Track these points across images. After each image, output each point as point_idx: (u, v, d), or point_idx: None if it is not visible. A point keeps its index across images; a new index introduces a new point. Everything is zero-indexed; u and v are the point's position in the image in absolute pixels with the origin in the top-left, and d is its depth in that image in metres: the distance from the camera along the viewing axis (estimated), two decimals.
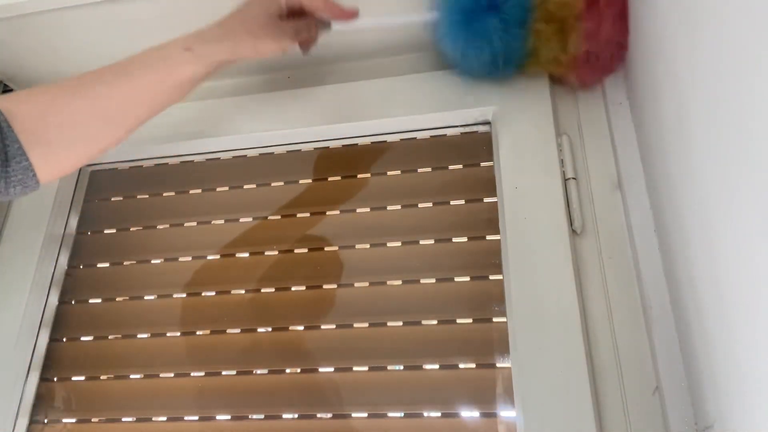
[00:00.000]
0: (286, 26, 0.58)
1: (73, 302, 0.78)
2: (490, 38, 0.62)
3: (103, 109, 0.54)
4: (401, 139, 0.76)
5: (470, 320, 0.65)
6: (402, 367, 0.65)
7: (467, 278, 0.67)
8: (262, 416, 0.67)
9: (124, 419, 0.69)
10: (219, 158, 0.81)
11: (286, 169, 0.78)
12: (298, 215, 0.75)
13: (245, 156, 0.80)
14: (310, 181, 0.77)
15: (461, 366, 0.64)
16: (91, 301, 0.77)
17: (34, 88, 0.53)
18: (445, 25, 0.64)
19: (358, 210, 0.73)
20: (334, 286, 0.70)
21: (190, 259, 0.76)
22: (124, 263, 0.78)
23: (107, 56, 0.77)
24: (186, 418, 0.68)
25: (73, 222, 0.81)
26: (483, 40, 0.62)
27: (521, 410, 0.57)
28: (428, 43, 0.75)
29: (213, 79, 0.82)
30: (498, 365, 0.63)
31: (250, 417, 0.67)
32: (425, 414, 0.63)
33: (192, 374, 0.70)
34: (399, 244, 0.70)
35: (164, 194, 0.81)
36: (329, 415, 0.65)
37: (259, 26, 0.57)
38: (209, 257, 0.75)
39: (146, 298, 0.75)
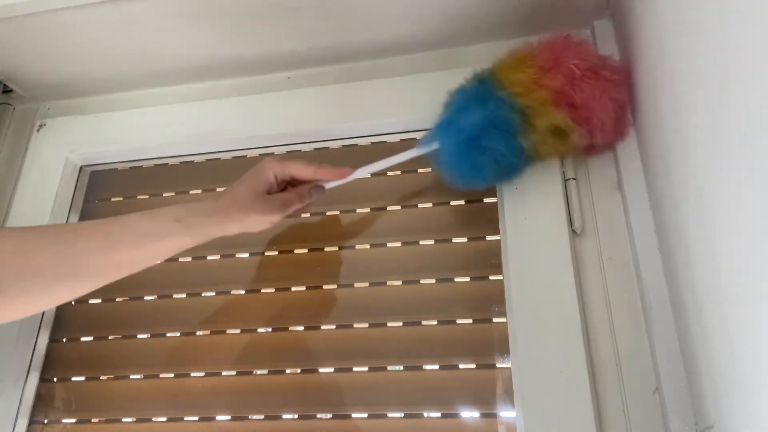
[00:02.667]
0: (276, 200, 0.59)
1: (72, 302, 0.77)
2: (491, 165, 0.60)
3: (73, 265, 0.50)
4: (401, 140, 0.76)
5: (470, 321, 0.65)
6: (402, 368, 0.65)
7: (467, 278, 0.67)
8: (262, 416, 0.67)
9: (124, 419, 0.69)
10: (219, 158, 0.81)
11: None
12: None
13: (245, 156, 0.80)
14: None
15: (461, 366, 0.64)
16: (90, 301, 0.77)
17: (5, 228, 0.51)
18: (445, 160, 0.62)
19: (358, 210, 0.73)
20: (334, 286, 0.70)
21: (189, 259, 0.76)
22: None
23: (107, 56, 0.78)
24: (186, 418, 0.68)
25: (74, 222, 0.81)
26: (484, 168, 0.61)
27: (521, 410, 0.57)
28: (428, 43, 0.75)
29: (213, 79, 0.82)
30: (498, 365, 0.63)
31: (250, 417, 0.67)
32: (425, 414, 0.63)
33: (192, 374, 0.70)
34: (399, 244, 0.70)
35: (164, 194, 0.81)
36: (329, 416, 0.65)
37: (248, 203, 0.57)
38: (209, 257, 0.75)
39: (146, 298, 0.75)
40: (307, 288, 0.71)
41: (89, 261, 0.51)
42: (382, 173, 0.74)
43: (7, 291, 0.46)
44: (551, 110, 0.58)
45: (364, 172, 0.63)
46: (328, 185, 0.63)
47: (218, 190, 0.79)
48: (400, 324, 0.67)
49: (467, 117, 0.60)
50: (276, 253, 0.74)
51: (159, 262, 0.57)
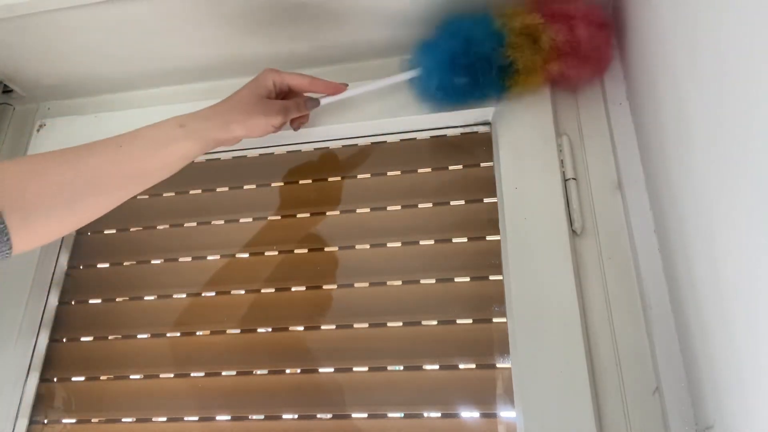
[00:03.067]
0: (276, 104, 0.62)
1: (73, 302, 0.78)
2: (476, 79, 0.64)
3: (89, 179, 0.51)
4: (401, 140, 0.76)
5: (470, 321, 0.65)
6: (402, 368, 0.65)
7: (467, 279, 0.67)
8: (262, 416, 0.67)
9: (124, 419, 0.69)
10: (219, 158, 0.81)
11: (286, 170, 0.78)
12: (298, 215, 0.75)
13: (245, 156, 0.80)
14: (310, 181, 0.77)
15: (461, 366, 0.64)
16: (91, 301, 0.77)
17: (18, 157, 0.52)
18: (429, 79, 0.66)
19: (358, 210, 0.74)
20: (334, 286, 0.70)
21: (190, 259, 0.76)
22: (124, 263, 0.78)
23: (107, 56, 0.78)
24: (186, 418, 0.68)
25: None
26: (468, 82, 0.64)
27: (521, 410, 0.57)
28: None
29: (213, 79, 0.82)
30: (498, 366, 0.63)
31: (250, 417, 0.67)
32: (425, 414, 0.63)
33: (192, 374, 0.70)
34: (399, 244, 0.70)
35: (164, 194, 0.81)
36: (329, 416, 0.65)
37: (250, 105, 0.60)
38: (209, 257, 0.75)
39: (146, 298, 0.75)
40: (307, 288, 0.71)
41: (104, 173, 0.52)
42: (382, 173, 0.74)
43: (33, 212, 0.48)
44: (524, 14, 0.63)
45: (356, 91, 0.67)
46: (324, 100, 0.67)
47: (218, 190, 0.79)
48: (400, 324, 0.67)
49: (447, 37, 0.64)
50: (276, 253, 0.74)
51: (174, 170, 0.58)
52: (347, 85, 0.67)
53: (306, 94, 0.67)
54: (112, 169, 0.53)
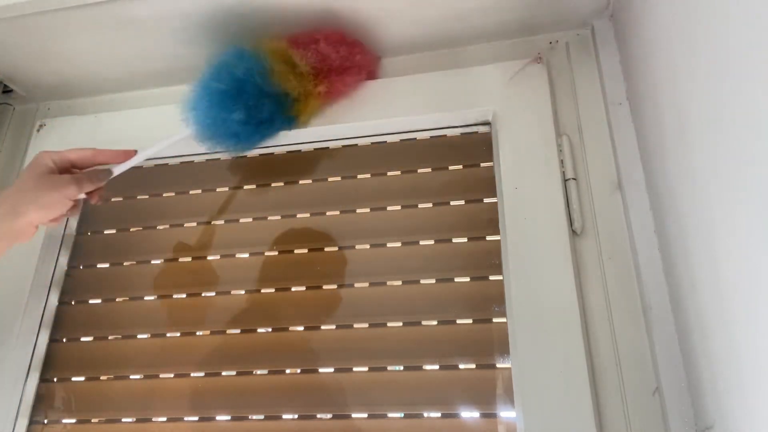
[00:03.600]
0: (64, 178, 0.58)
1: (73, 302, 0.78)
2: (254, 110, 0.66)
3: None
4: (401, 140, 0.76)
5: (470, 321, 0.65)
6: (402, 368, 0.65)
7: (467, 279, 0.67)
8: (262, 416, 0.67)
9: (124, 420, 0.69)
10: (219, 158, 0.81)
11: (286, 170, 0.78)
12: (298, 215, 0.75)
13: (245, 156, 0.80)
14: (310, 181, 0.77)
15: (461, 366, 0.64)
16: (91, 301, 0.77)
17: None
18: (205, 123, 0.66)
19: (358, 210, 0.74)
20: (334, 286, 0.70)
21: (189, 259, 0.76)
22: (124, 263, 0.78)
23: (107, 56, 0.78)
24: (186, 418, 0.68)
25: (73, 222, 0.81)
26: (248, 117, 0.66)
27: (521, 410, 0.57)
28: (428, 44, 0.75)
29: None
30: (498, 366, 0.63)
31: (250, 417, 0.67)
32: (425, 414, 0.63)
33: (192, 374, 0.70)
34: (399, 244, 0.70)
35: (164, 194, 0.81)
36: (329, 416, 0.65)
37: (36, 183, 0.56)
38: (209, 257, 0.75)
39: (146, 298, 0.75)
40: (307, 288, 0.71)
41: None
42: (382, 173, 0.74)
43: None
44: (274, 43, 0.68)
45: (145, 154, 0.64)
46: (117, 169, 0.63)
47: (218, 190, 0.79)
48: (400, 324, 0.67)
49: (214, 80, 0.66)
50: (276, 253, 0.74)
51: None
52: (136, 150, 0.64)
53: (95, 168, 0.63)
54: None
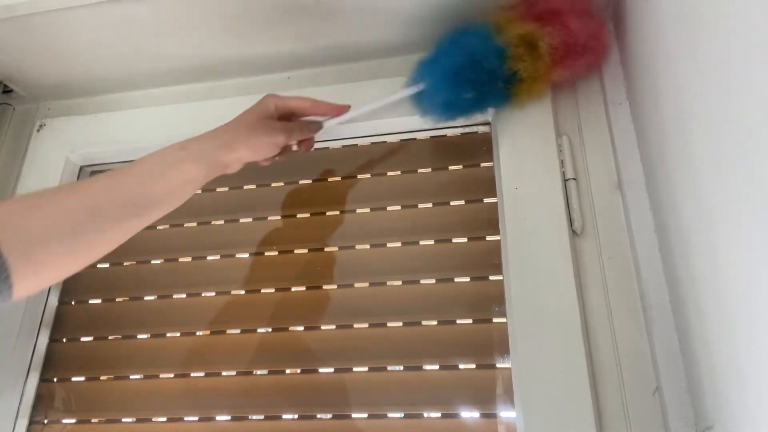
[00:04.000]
0: (278, 125, 0.61)
1: (73, 302, 0.78)
2: (482, 92, 0.63)
3: (92, 207, 0.48)
4: (401, 140, 0.76)
5: (470, 321, 0.65)
6: (402, 368, 0.65)
7: (467, 279, 0.67)
8: (262, 416, 0.67)
9: (124, 420, 0.69)
10: None
11: (286, 170, 0.78)
12: (298, 216, 0.75)
13: None
14: (310, 181, 0.77)
15: (461, 366, 0.64)
16: (91, 301, 0.77)
17: (19, 195, 0.50)
18: (435, 95, 0.65)
19: (358, 210, 0.74)
20: (334, 286, 0.70)
21: (189, 259, 0.76)
22: (124, 263, 0.78)
23: (107, 56, 0.78)
24: (186, 418, 0.68)
25: None
26: (474, 96, 0.64)
27: (521, 411, 0.57)
28: (427, 44, 0.75)
29: (213, 80, 0.82)
30: (498, 366, 0.63)
31: (250, 417, 0.67)
32: (425, 414, 0.63)
33: (192, 374, 0.70)
34: (399, 244, 0.70)
35: None
36: (329, 416, 0.65)
37: (251, 125, 0.59)
38: (209, 257, 0.75)
39: (146, 298, 0.75)
40: (307, 288, 0.71)
41: (107, 201, 0.49)
42: (382, 173, 0.74)
43: (35, 245, 0.44)
44: (518, 22, 0.62)
45: (359, 111, 0.66)
46: (327, 122, 0.66)
47: (218, 190, 0.79)
48: (400, 324, 0.67)
49: (450, 53, 0.64)
50: (276, 253, 0.74)
51: (182, 198, 0.55)
52: (350, 106, 0.66)
53: (309, 118, 0.66)
54: (115, 197, 0.50)
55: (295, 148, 0.65)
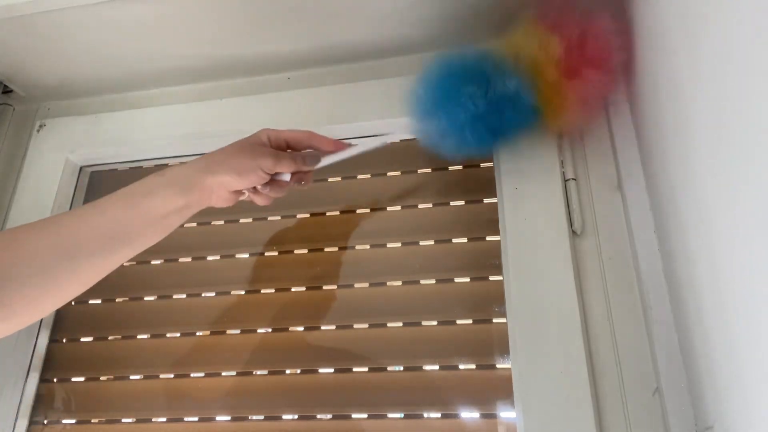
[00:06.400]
0: (266, 149, 0.56)
1: (72, 303, 0.77)
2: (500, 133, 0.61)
3: (67, 244, 0.47)
4: (401, 140, 0.75)
5: (470, 321, 0.65)
6: (402, 368, 0.65)
7: (467, 279, 0.67)
8: (262, 416, 0.67)
9: (123, 420, 0.69)
10: None
11: None
12: (298, 216, 0.75)
13: None
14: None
15: (461, 367, 0.64)
16: (91, 301, 0.77)
17: None
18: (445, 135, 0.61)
19: (358, 210, 0.74)
20: (334, 286, 0.70)
21: (189, 259, 0.76)
22: (124, 264, 0.78)
23: (107, 56, 0.78)
24: (186, 418, 0.68)
25: None
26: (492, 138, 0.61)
27: (521, 411, 0.56)
28: (427, 44, 0.75)
29: (213, 80, 0.82)
30: (498, 366, 0.63)
31: (250, 417, 0.67)
32: (425, 415, 0.63)
33: (192, 375, 0.70)
34: (399, 244, 0.70)
35: None
36: (329, 416, 0.65)
37: (237, 149, 0.56)
38: (209, 258, 0.75)
39: (146, 298, 0.75)
40: (307, 288, 0.71)
41: (82, 236, 0.48)
42: (382, 173, 0.74)
43: (6, 284, 0.44)
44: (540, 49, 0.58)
45: (357, 149, 0.61)
46: (324, 159, 0.61)
47: None
48: (400, 324, 0.67)
49: (471, 94, 0.58)
50: (276, 253, 0.74)
51: (163, 230, 0.54)
52: (350, 144, 0.61)
53: (306, 151, 0.61)
54: (88, 232, 0.48)
55: (286, 178, 0.59)
